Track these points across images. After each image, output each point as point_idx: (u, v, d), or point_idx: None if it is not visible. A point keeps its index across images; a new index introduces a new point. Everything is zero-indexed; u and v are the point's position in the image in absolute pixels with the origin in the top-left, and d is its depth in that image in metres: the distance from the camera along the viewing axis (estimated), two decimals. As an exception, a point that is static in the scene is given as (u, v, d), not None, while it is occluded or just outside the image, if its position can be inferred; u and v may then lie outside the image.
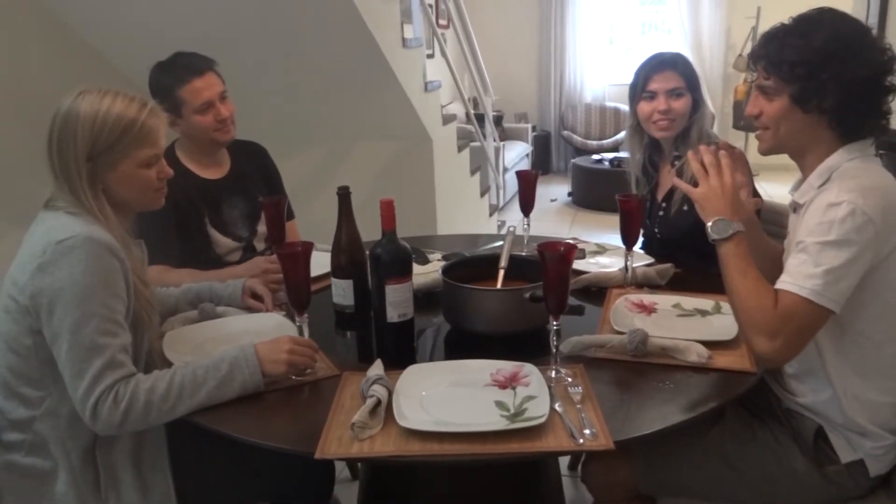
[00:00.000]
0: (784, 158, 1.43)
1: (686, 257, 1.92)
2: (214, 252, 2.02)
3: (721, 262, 1.35)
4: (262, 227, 2.09)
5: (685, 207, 1.95)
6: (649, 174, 2.11)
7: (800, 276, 1.24)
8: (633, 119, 2.06)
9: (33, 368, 1.29)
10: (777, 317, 1.24)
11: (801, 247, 1.27)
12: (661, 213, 2.05)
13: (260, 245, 2.12)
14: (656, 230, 2.08)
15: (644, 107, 2.00)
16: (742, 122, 6.19)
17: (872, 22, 4.27)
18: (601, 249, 2.11)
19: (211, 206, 2.01)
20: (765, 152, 1.42)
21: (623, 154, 6.65)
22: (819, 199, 1.28)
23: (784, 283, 1.27)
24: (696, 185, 1.42)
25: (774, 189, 1.63)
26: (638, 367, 1.37)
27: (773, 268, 1.48)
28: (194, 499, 1.38)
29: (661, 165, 2.09)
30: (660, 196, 2.07)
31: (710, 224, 1.35)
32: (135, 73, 3.02)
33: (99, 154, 1.31)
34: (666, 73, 1.97)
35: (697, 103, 1.99)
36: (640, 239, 2.15)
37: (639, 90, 2.01)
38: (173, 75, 1.90)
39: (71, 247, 1.23)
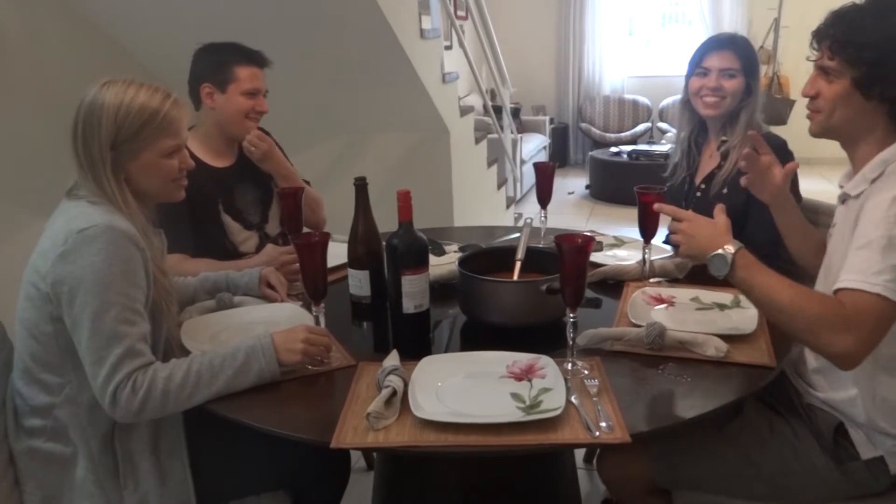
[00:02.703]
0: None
1: None
2: (230, 240, 2.04)
3: (744, 290, 1.27)
4: (273, 211, 2.11)
5: (724, 191, 1.93)
6: (691, 155, 2.09)
7: (867, 272, 1.17)
8: (685, 94, 2.06)
9: (54, 355, 1.31)
10: (849, 314, 1.16)
11: (864, 242, 1.20)
12: (698, 194, 2.03)
13: (273, 230, 2.13)
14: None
15: (695, 82, 2.00)
16: (764, 114, 6.11)
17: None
18: (619, 242, 2.10)
19: (224, 194, 2.03)
20: (816, 135, 1.38)
21: (641, 146, 6.65)
22: (880, 194, 1.23)
23: (851, 280, 1.19)
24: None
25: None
26: (655, 361, 1.37)
27: (818, 252, 1.44)
28: (211, 486, 1.39)
29: (704, 148, 2.08)
30: (698, 179, 2.05)
31: (709, 267, 1.27)
32: (155, 66, 3.05)
33: (122, 143, 1.32)
34: (723, 51, 1.98)
35: (751, 88, 1.97)
36: (666, 229, 2.14)
37: (694, 65, 2.01)
38: (236, 53, 1.98)
39: (92, 236, 1.25)
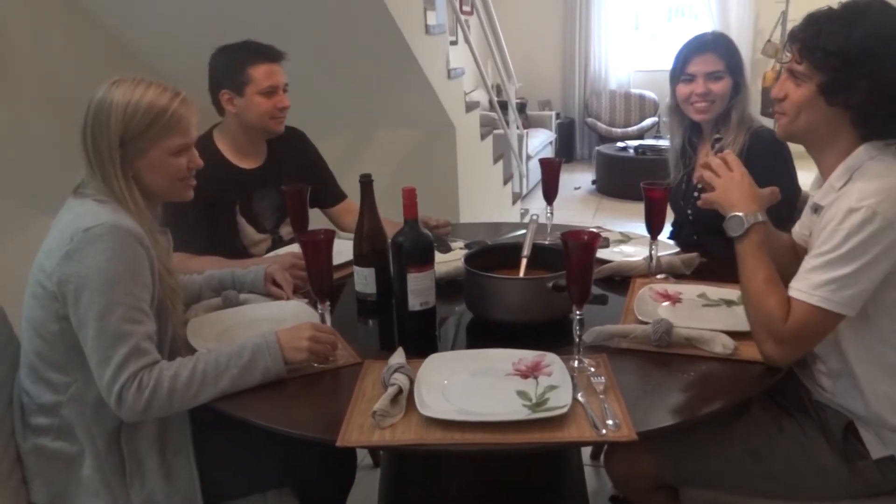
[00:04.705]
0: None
1: (717, 242, 1.90)
2: (241, 242, 2.03)
3: (738, 260, 1.34)
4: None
5: None
6: (687, 156, 2.08)
7: (809, 283, 1.24)
8: (673, 101, 2.05)
9: (60, 354, 1.31)
10: (788, 327, 1.24)
11: (816, 252, 1.25)
12: (695, 194, 2.02)
13: (286, 233, 2.12)
14: (689, 212, 2.05)
15: (682, 89, 1.98)
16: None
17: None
18: (625, 238, 2.09)
19: (242, 196, 2.02)
20: (781, 137, 1.40)
21: (648, 141, 6.63)
22: (838, 202, 1.25)
23: (794, 290, 1.26)
24: None
25: (804, 177, 1.58)
26: (662, 358, 1.36)
27: (794, 259, 1.45)
28: (217, 484, 1.39)
29: (700, 147, 2.07)
30: (696, 178, 2.04)
31: (725, 222, 1.34)
32: (162, 65, 3.05)
33: (130, 140, 1.32)
34: (706, 55, 1.95)
35: (738, 86, 1.96)
36: (669, 227, 2.13)
37: (678, 72, 2.00)
38: (247, 54, 1.96)
39: (98, 234, 1.25)
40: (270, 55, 1.97)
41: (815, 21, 1.28)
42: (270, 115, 1.97)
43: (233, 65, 1.94)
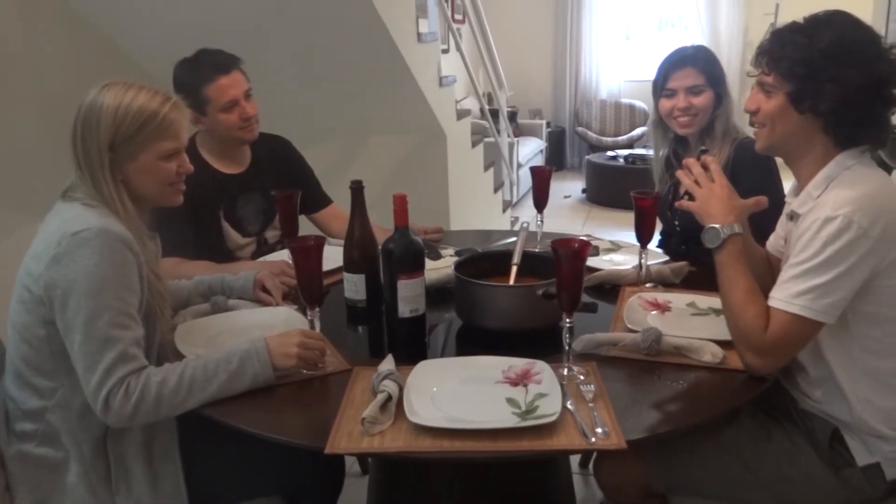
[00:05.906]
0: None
1: (704, 251, 1.90)
2: (226, 246, 2.03)
3: (717, 271, 1.35)
4: (277, 222, 2.10)
5: None
6: (673, 167, 2.09)
7: (788, 293, 1.25)
8: (656, 115, 2.06)
9: (46, 359, 1.30)
10: (769, 337, 1.26)
11: (794, 262, 1.26)
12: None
13: (272, 237, 2.12)
14: (676, 223, 2.06)
15: (665, 104, 1.99)
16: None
17: (894, 25, 4.22)
18: (615, 247, 2.10)
19: (226, 202, 2.02)
20: (762, 150, 1.42)
21: (638, 151, 6.66)
22: (815, 211, 1.27)
23: (774, 300, 1.27)
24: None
25: (788, 187, 1.60)
26: (651, 366, 1.36)
27: (768, 271, 1.48)
28: (204, 492, 1.38)
29: (686, 159, 2.08)
30: (682, 189, 2.05)
31: (703, 233, 1.36)
32: (156, 70, 3.04)
33: (120, 143, 1.32)
34: (685, 69, 1.96)
35: (721, 97, 1.97)
36: (658, 236, 2.14)
37: (659, 87, 2.01)
38: (199, 73, 1.90)
39: (86, 239, 1.24)
40: (223, 67, 1.91)
41: (781, 34, 1.32)
42: (238, 126, 1.94)
43: (188, 85, 1.89)
